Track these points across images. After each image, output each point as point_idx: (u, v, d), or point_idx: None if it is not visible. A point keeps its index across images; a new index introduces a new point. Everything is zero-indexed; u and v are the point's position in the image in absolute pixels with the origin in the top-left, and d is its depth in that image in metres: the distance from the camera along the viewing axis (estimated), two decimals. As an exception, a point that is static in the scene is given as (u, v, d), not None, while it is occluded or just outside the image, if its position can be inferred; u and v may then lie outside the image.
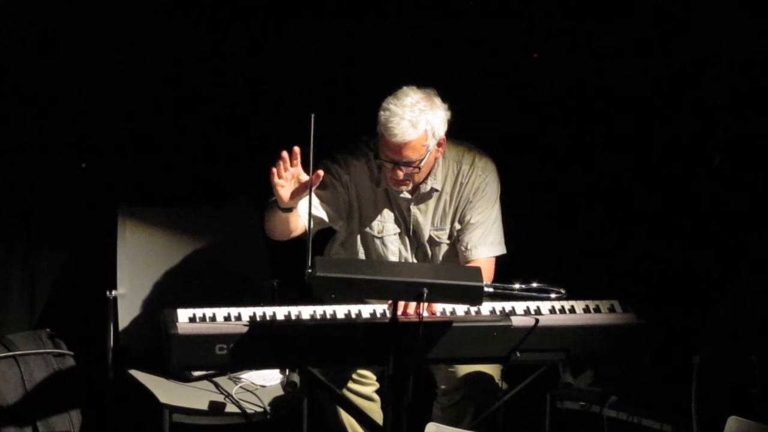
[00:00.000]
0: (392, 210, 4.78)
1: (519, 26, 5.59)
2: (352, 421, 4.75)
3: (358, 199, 4.76)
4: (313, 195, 4.38)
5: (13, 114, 5.25)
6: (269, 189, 4.48)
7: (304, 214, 4.49)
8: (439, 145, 4.63)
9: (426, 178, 4.72)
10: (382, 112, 4.55)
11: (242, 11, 5.48)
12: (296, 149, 4.35)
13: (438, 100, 4.60)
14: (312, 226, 4.27)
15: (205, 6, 5.45)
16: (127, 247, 5.05)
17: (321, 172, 4.33)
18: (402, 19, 5.57)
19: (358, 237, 4.80)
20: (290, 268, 4.58)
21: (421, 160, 4.59)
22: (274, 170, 4.38)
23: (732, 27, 5.35)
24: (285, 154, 4.36)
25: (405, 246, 4.79)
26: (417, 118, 4.52)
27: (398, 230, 4.78)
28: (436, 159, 4.68)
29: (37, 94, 5.27)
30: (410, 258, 4.80)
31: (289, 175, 4.40)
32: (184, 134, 5.49)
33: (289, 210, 4.49)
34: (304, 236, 4.56)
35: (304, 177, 4.39)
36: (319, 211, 4.68)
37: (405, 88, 4.59)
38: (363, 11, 5.54)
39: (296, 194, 4.42)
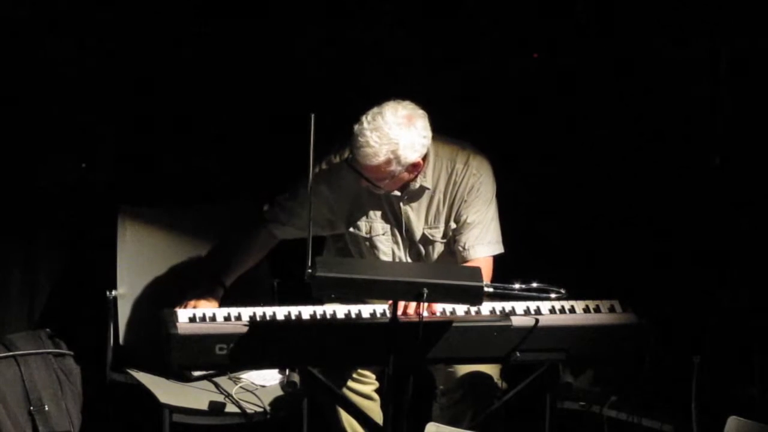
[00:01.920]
0: (380, 207, 4.74)
1: (519, 26, 5.60)
2: (352, 421, 4.74)
3: (339, 202, 4.72)
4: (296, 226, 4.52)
5: (12, 114, 5.25)
6: (270, 188, 4.49)
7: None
8: (410, 169, 4.56)
9: (414, 178, 4.68)
10: (357, 124, 4.51)
11: (242, 11, 5.48)
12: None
13: (418, 123, 4.51)
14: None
15: (204, 7, 5.45)
16: (127, 247, 5.04)
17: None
18: (402, 19, 5.57)
19: (348, 239, 4.78)
20: (290, 268, 4.58)
21: (384, 180, 4.56)
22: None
23: (732, 26, 5.35)
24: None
25: (398, 245, 4.76)
26: (380, 148, 4.46)
27: (387, 228, 4.75)
28: (410, 176, 4.61)
29: (37, 93, 5.27)
30: (404, 257, 4.78)
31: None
32: (184, 134, 5.49)
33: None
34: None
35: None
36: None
37: (390, 106, 4.52)
38: (363, 11, 5.54)
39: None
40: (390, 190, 4.64)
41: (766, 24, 5.30)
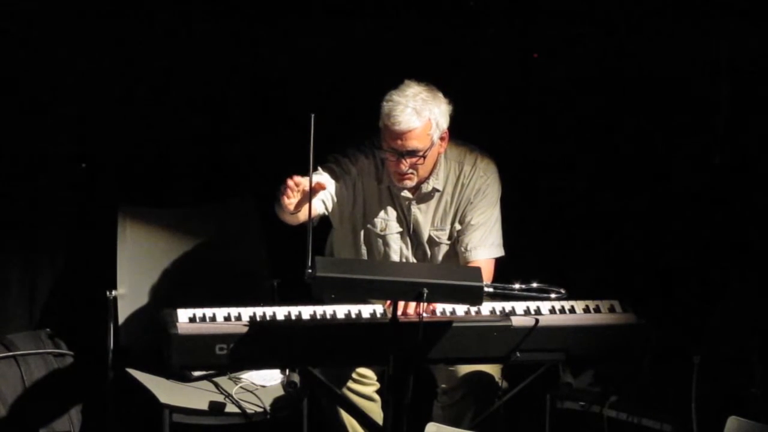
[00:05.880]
0: (395, 209, 4.78)
1: (519, 26, 5.60)
2: (352, 421, 4.75)
3: (363, 195, 4.76)
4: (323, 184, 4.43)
5: (13, 114, 5.25)
6: (270, 188, 4.49)
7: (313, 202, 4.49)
8: (441, 139, 4.63)
9: (428, 178, 4.71)
10: (385, 103, 4.58)
11: (242, 11, 5.48)
12: (294, 181, 4.37)
13: (440, 94, 4.62)
14: (313, 215, 4.30)
15: (204, 5, 5.45)
16: (127, 247, 5.05)
17: (323, 183, 4.40)
18: (402, 19, 5.57)
19: (362, 234, 4.80)
20: (290, 268, 4.58)
21: (426, 150, 4.59)
22: (284, 197, 4.41)
23: (731, 27, 5.36)
24: (292, 183, 4.38)
25: (406, 245, 4.80)
26: (421, 107, 4.56)
27: (400, 229, 4.78)
28: (439, 154, 4.68)
29: (37, 93, 5.28)
30: (410, 257, 4.80)
31: (296, 194, 4.42)
32: (184, 134, 5.49)
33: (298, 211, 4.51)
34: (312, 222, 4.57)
35: (307, 186, 4.40)
36: (323, 202, 4.67)
37: (407, 81, 4.62)
38: (363, 11, 5.54)
39: (303, 203, 4.44)
40: (422, 176, 4.67)
41: (765, 24, 5.31)
